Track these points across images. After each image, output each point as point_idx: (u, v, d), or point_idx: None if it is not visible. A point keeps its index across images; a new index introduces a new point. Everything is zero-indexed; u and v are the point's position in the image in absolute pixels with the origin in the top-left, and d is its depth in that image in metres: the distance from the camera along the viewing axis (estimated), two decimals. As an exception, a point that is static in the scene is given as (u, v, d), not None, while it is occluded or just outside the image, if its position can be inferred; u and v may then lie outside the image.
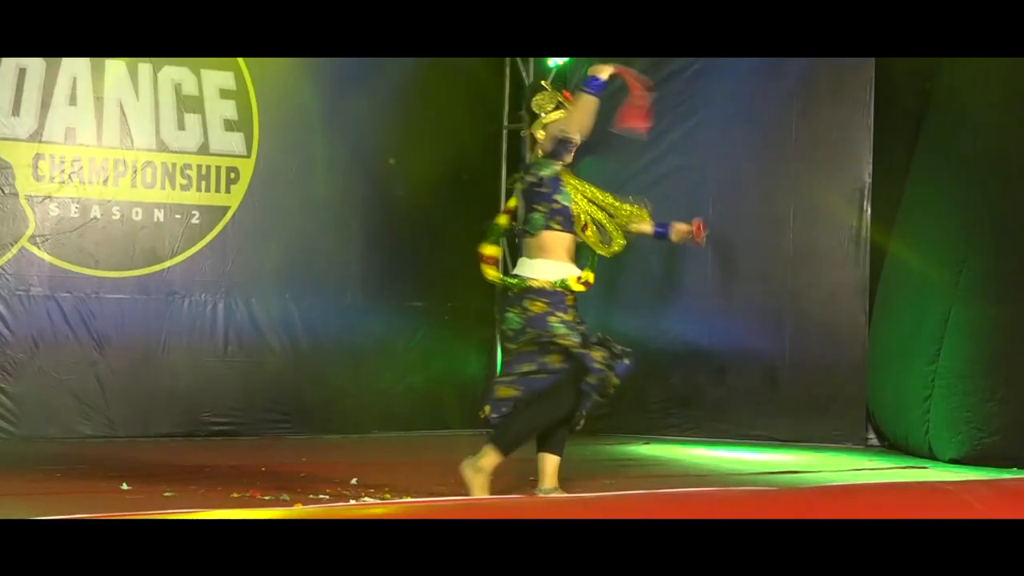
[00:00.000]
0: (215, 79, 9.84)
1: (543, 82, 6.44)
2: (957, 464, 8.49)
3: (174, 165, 9.69)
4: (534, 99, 6.27)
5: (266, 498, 6.38)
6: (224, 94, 9.89)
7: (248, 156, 9.96)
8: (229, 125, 9.88)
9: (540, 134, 6.24)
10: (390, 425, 10.34)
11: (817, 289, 10.02)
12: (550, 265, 6.24)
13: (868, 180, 9.83)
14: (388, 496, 6.51)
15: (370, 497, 6.40)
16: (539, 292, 6.20)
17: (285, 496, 6.45)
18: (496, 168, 11.23)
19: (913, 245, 9.32)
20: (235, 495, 6.47)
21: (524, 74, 11.25)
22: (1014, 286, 8.55)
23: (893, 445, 9.43)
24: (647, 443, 9.96)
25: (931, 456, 8.75)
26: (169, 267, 9.70)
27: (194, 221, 9.77)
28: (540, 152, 6.30)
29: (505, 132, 11.29)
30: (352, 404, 10.29)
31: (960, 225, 8.86)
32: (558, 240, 6.25)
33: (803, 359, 9.91)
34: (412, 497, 6.06)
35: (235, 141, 9.91)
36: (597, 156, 10.82)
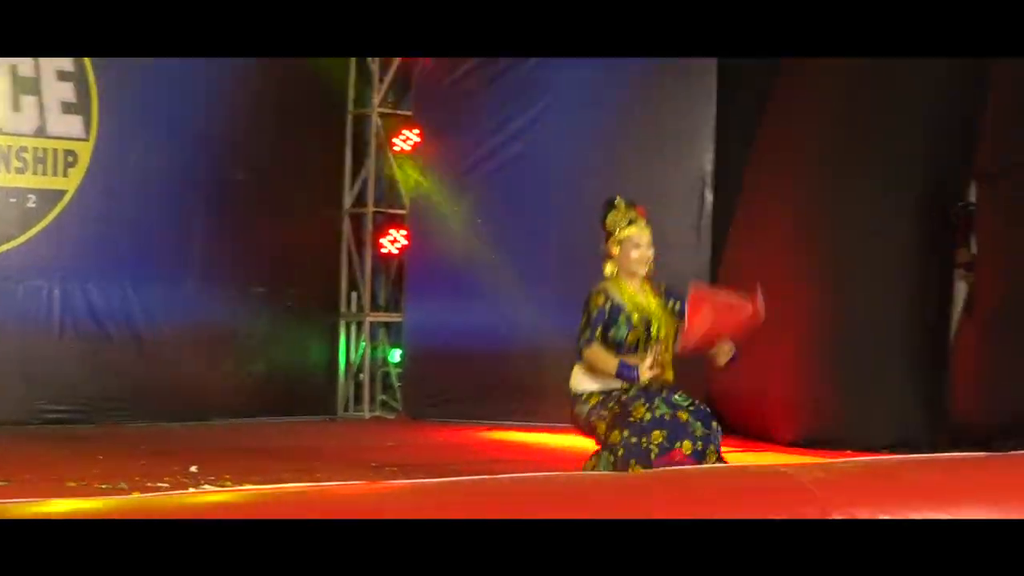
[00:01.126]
0: (53, 61, 9.62)
1: (618, 198, 6.49)
2: (794, 447, 8.65)
3: (9, 148, 9.47)
4: (608, 216, 6.38)
5: (103, 487, 6.28)
6: (62, 76, 9.69)
7: (87, 139, 9.77)
8: (67, 108, 9.68)
9: (615, 250, 6.35)
10: (231, 412, 10.22)
11: (659, 276, 10.05)
12: None
13: (710, 168, 9.96)
14: (229, 483, 6.44)
15: (210, 484, 6.33)
16: None
17: (123, 484, 6.36)
18: (340, 154, 11.16)
19: (753, 232, 9.46)
20: (71, 484, 6.36)
21: (369, 59, 11.19)
22: (848, 273, 8.75)
23: (732, 428, 9.54)
24: (490, 429, 9.98)
25: (769, 440, 8.89)
26: (3, 252, 9.47)
27: (30, 205, 9.56)
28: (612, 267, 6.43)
29: (350, 118, 11.22)
30: (192, 391, 10.14)
31: (798, 213, 9.01)
32: None
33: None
34: (254, 484, 5.99)
35: (73, 124, 9.71)
36: (441, 141, 10.84)
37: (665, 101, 10.14)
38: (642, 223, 6.37)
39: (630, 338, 6.21)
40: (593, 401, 6.18)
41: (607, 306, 6.31)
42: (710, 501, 3.32)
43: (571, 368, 6.27)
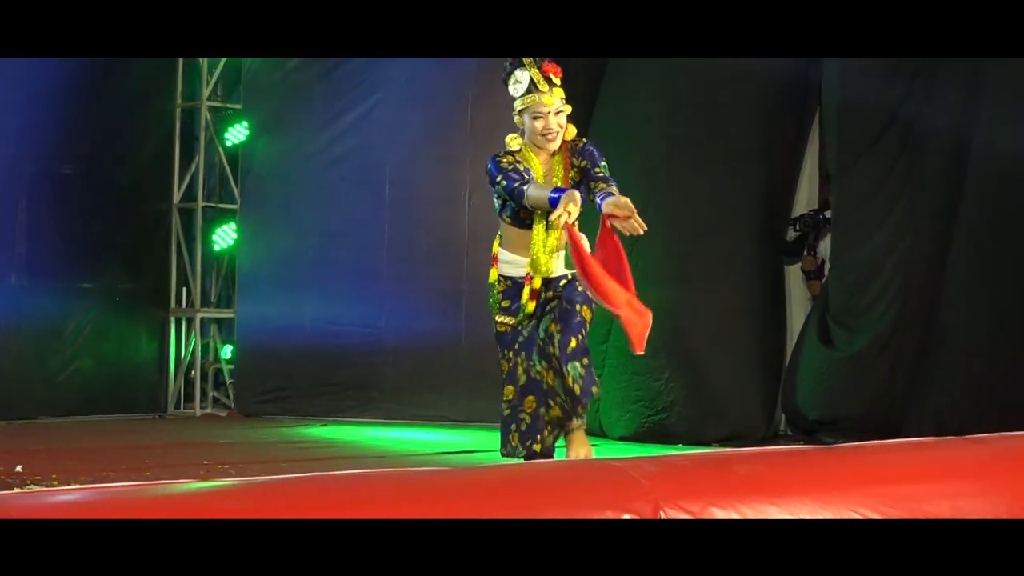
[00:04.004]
0: None
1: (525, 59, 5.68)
2: (626, 441, 8.75)
3: None
4: (509, 81, 5.71)
5: (-76, 487, 6.11)
6: None
7: (-95, 130, 9.50)
8: None
9: (518, 121, 5.74)
10: (59, 410, 10.02)
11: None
12: None
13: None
14: (56, 483, 6.31)
15: (36, 485, 6.19)
16: None
17: (-56, 486, 6.19)
18: (169, 147, 11.01)
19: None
20: None
21: (198, 52, 11.06)
22: (681, 270, 8.86)
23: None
24: (324, 425, 9.93)
25: (601, 434, 8.98)
26: None
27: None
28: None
29: (179, 111, 11.07)
30: (17, 389, 9.91)
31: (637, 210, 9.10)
32: None
33: (479, 340, 10.01)
34: (82, 484, 5.88)
35: None
36: (271, 136, 10.75)
37: (497, 95, 10.11)
38: (546, 86, 5.63)
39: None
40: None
41: (520, 167, 5.65)
42: (541, 497, 3.33)
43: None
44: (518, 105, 5.68)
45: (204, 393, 11.07)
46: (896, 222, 8.51)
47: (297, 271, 10.50)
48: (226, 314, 11.12)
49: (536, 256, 5.68)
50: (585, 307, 5.58)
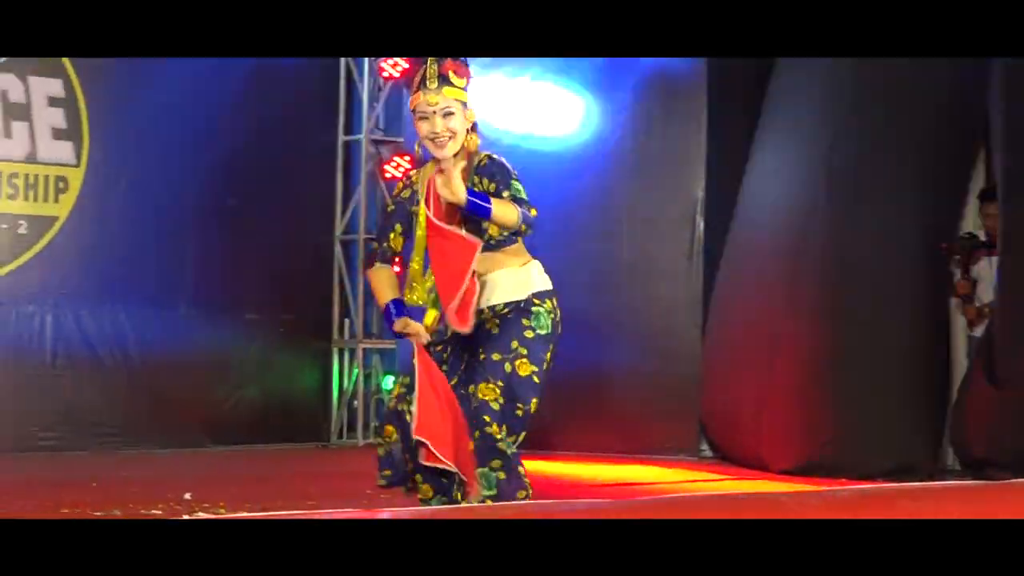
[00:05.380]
0: (43, 86, 9.63)
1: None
2: (788, 475, 8.63)
3: (0, 174, 9.46)
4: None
5: (97, 513, 6.25)
6: (53, 102, 9.69)
7: (78, 165, 9.76)
8: (58, 134, 9.68)
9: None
10: (224, 439, 10.20)
11: (651, 303, 10.11)
12: None
13: (701, 194, 9.96)
14: (223, 511, 6.41)
15: (204, 512, 6.30)
16: None
17: (117, 511, 6.33)
18: (331, 179, 11.17)
19: (746, 258, 9.45)
20: (65, 510, 6.34)
21: (359, 86, 11.22)
22: (842, 303, 8.73)
23: (726, 456, 9.55)
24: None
25: (763, 467, 8.88)
26: (-5, 278, 9.48)
27: (21, 231, 9.54)
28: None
29: (340, 143, 11.23)
30: (185, 418, 10.12)
31: (791, 241, 9.01)
32: None
33: (637, 372, 9.99)
34: (248, 512, 5.97)
35: (64, 150, 9.71)
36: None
37: (655, 127, 10.14)
38: (435, 83, 4.82)
39: (419, 238, 4.93)
40: None
41: (405, 195, 5.04)
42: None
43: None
44: (410, 104, 4.93)
45: (366, 423, 11.19)
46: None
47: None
48: (388, 345, 11.22)
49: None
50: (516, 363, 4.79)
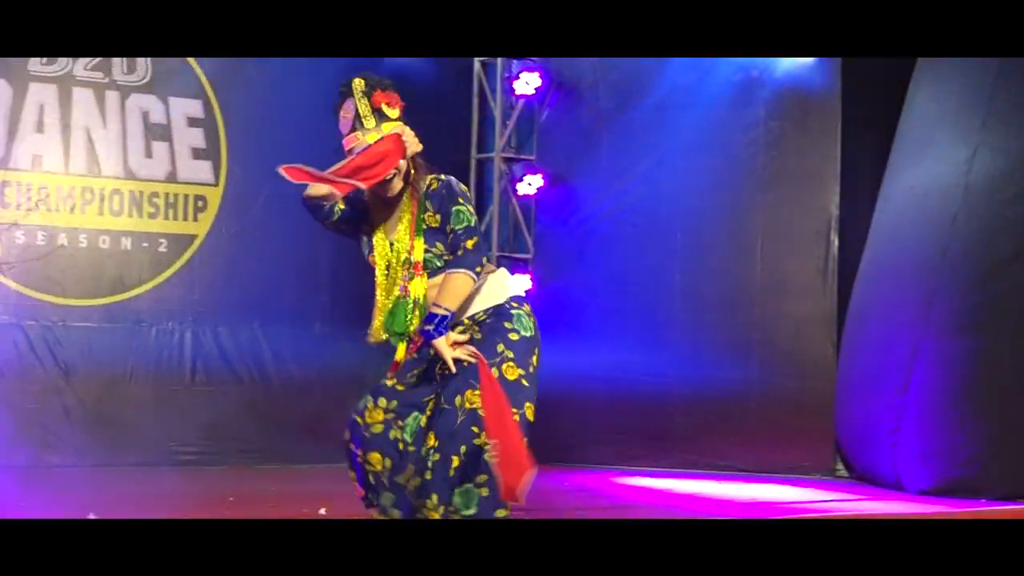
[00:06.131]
0: (183, 107, 9.81)
1: (357, 80, 4.80)
2: (926, 495, 8.51)
3: (141, 193, 9.65)
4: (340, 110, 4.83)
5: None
6: (192, 122, 9.86)
7: (216, 184, 9.93)
8: (197, 153, 9.85)
9: None
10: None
11: (785, 320, 10.03)
12: None
13: (836, 211, 9.87)
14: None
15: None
16: None
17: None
18: (464, 198, 11.22)
19: (880, 277, 9.35)
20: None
21: (492, 104, 11.27)
22: (983, 318, 8.59)
23: (861, 476, 9.44)
24: (619, 474, 9.94)
25: (900, 488, 8.76)
26: (136, 295, 9.65)
27: (161, 249, 9.73)
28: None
29: (473, 162, 11.29)
30: (320, 433, 10.20)
31: (927, 257, 8.89)
32: None
33: (771, 390, 9.91)
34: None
35: (203, 169, 9.87)
36: (567, 184, 10.87)
37: (788, 143, 10.08)
38: (372, 121, 4.68)
39: (374, 259, 4.84)
40: None
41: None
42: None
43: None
44: (345, 145, 4.74)
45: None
46: None
47: (588, 320, 10.56)
48: (518, 362, 11.22)
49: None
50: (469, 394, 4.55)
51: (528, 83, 11.06)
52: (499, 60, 11.21)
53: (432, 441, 4.53)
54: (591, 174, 10.76)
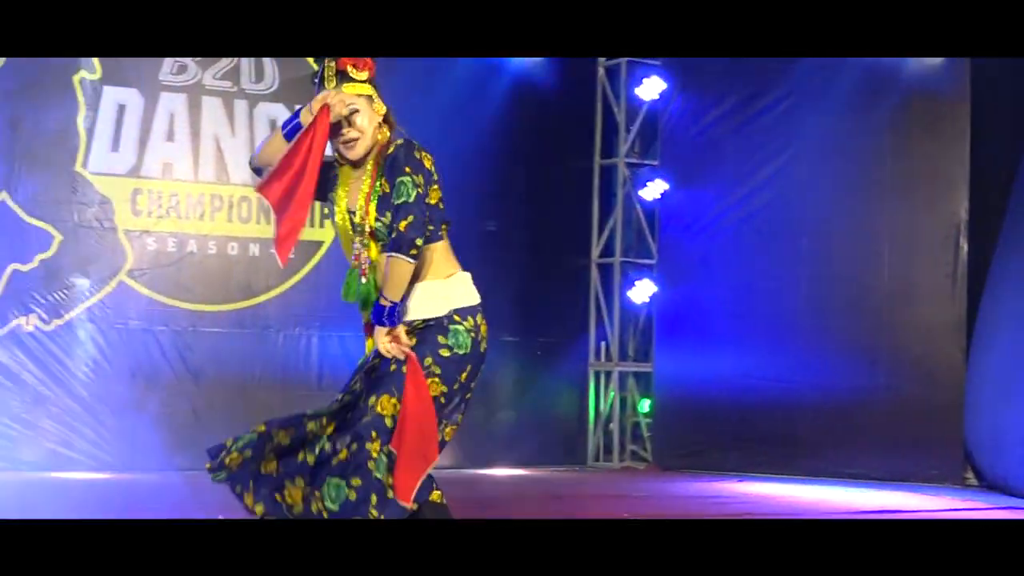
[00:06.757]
0: (311, 115, 9.91)
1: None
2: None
3: (271, 202, 9.76)
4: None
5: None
6: (319, 131, 9.96)
7: (343, 192, 10.01)
8: (323, 160, 9.94)
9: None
10: (481, 460, 10.33)
11: (913, 325, 9.90)
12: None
13: (965, 216, 9.72)
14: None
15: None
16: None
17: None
18: (588, 204, 11.23)
19: (1012, 282, 9.19)
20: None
21: (616, 109, 11.27)
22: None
23: (992, 485, 9.28)
24: (741, 480, 9.88)
25: (1007, 490, 8.61)
26: (264, 301, 9.78)
27: (289, 256, 9.81)
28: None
29: (597, 168, 11.29)
30: (444, 439, 10.28)
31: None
32: None
33: (899, 396, 9.79)
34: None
35: (328, 177, 9.95)
36: (691, 189, 10.83)
37: (916, 146, 9.95)
38: (333, 82, 4.50)
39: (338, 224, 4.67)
40: None
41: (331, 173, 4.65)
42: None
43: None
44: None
45: (622, 446, 11.20)
46: None
47: (713, 325, 10.51)
48: (644, 368, 11.23)
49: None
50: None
51: (652, 88, 11.05)
52: (623, 66, 11.20)
53: (330, 429, 4.34)
54: (715, 179, 10.71)
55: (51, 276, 9.16)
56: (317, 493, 4.26)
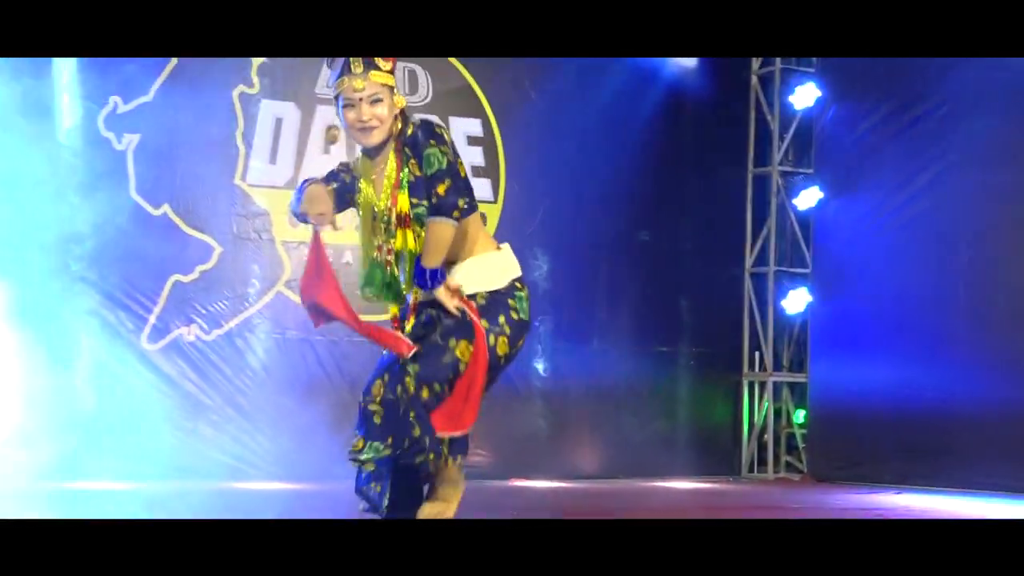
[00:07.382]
0: (463, 126, 9.99)
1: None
2: None
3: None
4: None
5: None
6: (472, 140, 10.04)
7: (495, 201, 10.08)
8: (477, 171, 10.01)
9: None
10: (635, 471, 10.30)
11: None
12: None
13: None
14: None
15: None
16: None
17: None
18: (741, 213, 11.16)
19: None
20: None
21: (769, 117, 11.19)
22: None
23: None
24: (899, 493, 9.73)
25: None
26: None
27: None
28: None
29: (751, 176, 11.22)
30: (597, 449, 10.28)
31: None
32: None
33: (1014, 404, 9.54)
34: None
35: (483, 187, 10.02)
36: (842, 199, 10.70)
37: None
38: (360, 67, 4.64)
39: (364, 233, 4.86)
40: None
41: (346, 179, 4.88)
42: None
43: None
44: (334, 91, 4.75)
45: (777, 457, 11.11)
46: None
47: (870, 335, 10.37)
48: (798, 378, 11.13)
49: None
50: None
51: (806, 96, 10.95)
52: (776, 73, 11.12)
53: (413, 367, 4.60)
54: (871, 187, 10.57)
55: (211, 287, 9.32)
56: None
